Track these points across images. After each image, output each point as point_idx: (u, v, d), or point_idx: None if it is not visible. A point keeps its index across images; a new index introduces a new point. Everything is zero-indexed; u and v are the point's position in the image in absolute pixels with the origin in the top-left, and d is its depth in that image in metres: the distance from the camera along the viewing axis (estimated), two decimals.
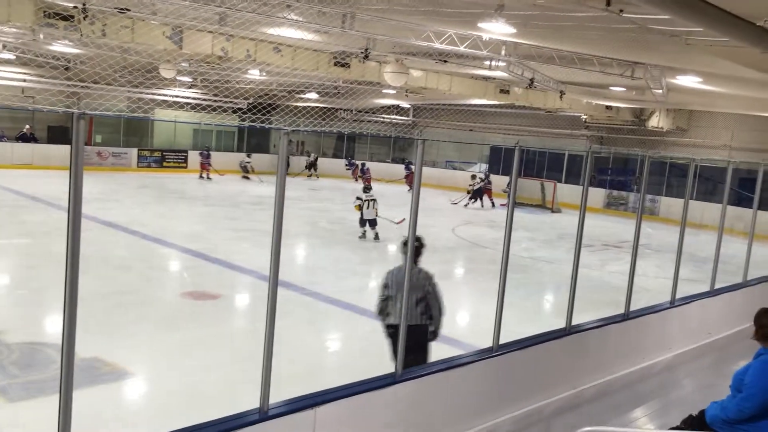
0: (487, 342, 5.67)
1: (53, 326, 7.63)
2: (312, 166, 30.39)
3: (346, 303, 9.54)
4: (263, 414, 3.90)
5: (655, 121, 22.66)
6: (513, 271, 6.37)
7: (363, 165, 29.25)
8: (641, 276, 9.85)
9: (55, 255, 10.26)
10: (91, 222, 13.64)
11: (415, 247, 5.09)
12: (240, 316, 9.40)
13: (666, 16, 5.73)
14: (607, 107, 22.47)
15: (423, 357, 5.60)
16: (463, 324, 9.53)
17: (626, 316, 7.19)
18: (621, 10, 5.98)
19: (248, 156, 28.43)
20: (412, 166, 26.25)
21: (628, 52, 11.05)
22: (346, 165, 31.11)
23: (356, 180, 28.16)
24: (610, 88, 16.36)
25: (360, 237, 14.78)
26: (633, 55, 11.53)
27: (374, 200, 14.55)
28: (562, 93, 17.97)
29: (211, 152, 27.03)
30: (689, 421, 4.71)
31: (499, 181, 26.15)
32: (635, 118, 23.58)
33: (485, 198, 23.47)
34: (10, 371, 6.22)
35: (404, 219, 15.54)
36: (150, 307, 8.94)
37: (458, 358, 5.51)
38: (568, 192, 24.08)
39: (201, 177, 26.18)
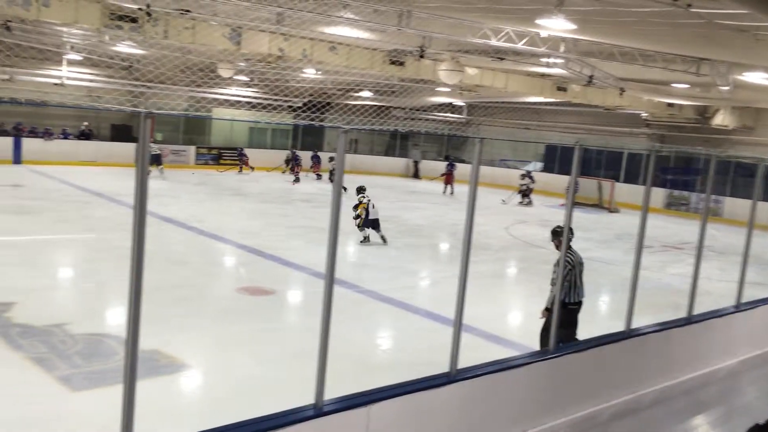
0: None
1: (115, 318, 7.88)
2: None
3: (397, 301, 9.54)
4: (318, 410, 3.93)
5: (720, 119, 21.87)
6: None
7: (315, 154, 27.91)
8: (704, 279, 9.52)
9: (118, 249, 10.64)
10: (151, 218, 13.97)
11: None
12: (294, 312, 9.51)
13: (740, 11, 5.50)
14: (669, 104, 21.81)
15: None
16: (517, 324, 9.41)
17: (689, 320, 6.97)
18: (689, 5, 5.78)
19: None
20: (456, 164, 25.78)
21: (694, 47, 10.70)
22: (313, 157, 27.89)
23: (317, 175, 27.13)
24: (673, 85, 15.88)
25: (362, 242, 13.50)
26: (699, 50, 11.16)
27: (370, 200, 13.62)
28: (622, 90, 17.54)
29: (319, 154, 27.55)
30: (755, 430, 4.52)
31: (555, 181, 25.74)
32: (698, 115, 22.84)
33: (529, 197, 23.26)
34: (75, 361, 6.44)
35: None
36: (207, 302, 9.13)
37: (514, 360, 5.44)
38: (627, 191, 23.48)
39: (319, 177, 26.72)
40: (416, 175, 31.14)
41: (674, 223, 20.13)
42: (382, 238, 13.65)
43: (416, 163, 31.76)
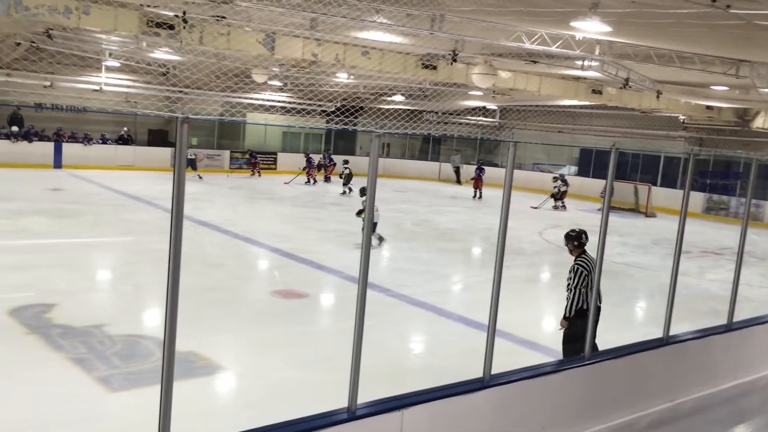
0: None
1: (152, 320, 8.01)
2: (349, 180, 23.32)
3: (430, 305, 9.51)
4: (351, 413, 3.93)
5: (761, 122, 21.33)
6: (604, 277, 6.14)
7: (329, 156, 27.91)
8: (744, 285, 9.29)
9: (154, 252, 10.82)
10: (186, 221, 14.16)
11: (581, 242, 6.50)
12: (327, 315, 9.55)
13: None
14: (708, 107, 21.37)
15: None
16: (550, 330, 9.30)
17: (729, 327, 6.81)
18: (728, 6, 5.66)
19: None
20: (485, 168, 25.63)
21: (733, 49, 10.48)
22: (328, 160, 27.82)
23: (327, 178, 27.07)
24: (711, 87, 15.56)
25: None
26: (738, 52, 10.92)
27: None
28: (659, 93, 17.24)
29: (333, 157, 27.81)
30: None
31: (590, 185, 25.40)
32: (738, 118, 22.31)
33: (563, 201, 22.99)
34: (113, 362, 6.56)
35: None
36: (241, 304, 9.23)
37: (548, 365, 5.38)
38: (664, 195, 23.07)
39: (328, 180, 26.93)
40: (458, 181, 30.65)
41: (713, 228, 19.72)
42: (380, 238, 13.18)
43: (457, 168, 31.08)
